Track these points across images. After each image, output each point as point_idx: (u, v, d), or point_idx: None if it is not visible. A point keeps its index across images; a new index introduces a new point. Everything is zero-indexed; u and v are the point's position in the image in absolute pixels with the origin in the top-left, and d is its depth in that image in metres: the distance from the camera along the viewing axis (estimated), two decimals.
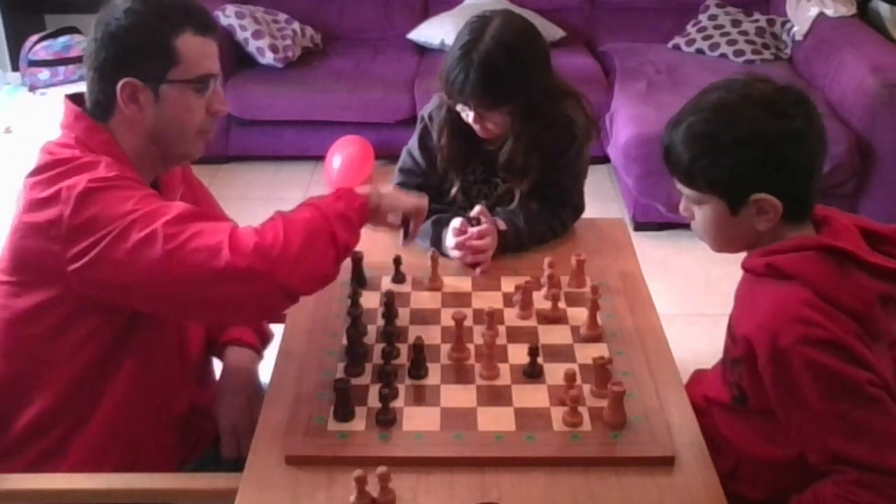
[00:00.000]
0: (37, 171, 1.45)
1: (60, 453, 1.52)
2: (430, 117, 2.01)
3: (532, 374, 1.52)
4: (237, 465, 1.40)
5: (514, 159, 1.92)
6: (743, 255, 1.47)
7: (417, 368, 1.52)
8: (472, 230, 1.84)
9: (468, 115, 1.87)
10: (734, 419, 1.48)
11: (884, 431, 1.28)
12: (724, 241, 1.45)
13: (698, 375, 1.70)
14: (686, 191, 1.41)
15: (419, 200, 1.70)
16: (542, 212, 1.97)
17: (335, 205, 1.48)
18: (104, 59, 1.46)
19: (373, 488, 1.27)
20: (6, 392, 1.52)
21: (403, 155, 2.07)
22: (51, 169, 1.43)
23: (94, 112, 1.50)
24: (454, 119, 1.93)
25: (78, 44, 4.13)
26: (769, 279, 1.36)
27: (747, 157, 1.32)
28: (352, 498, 1.26)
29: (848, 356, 1.28)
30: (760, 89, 1.36)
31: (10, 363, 1.51)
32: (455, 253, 1.85)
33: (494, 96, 1.82)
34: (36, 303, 1.46)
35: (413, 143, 2.05)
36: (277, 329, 1.73)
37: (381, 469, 1.26)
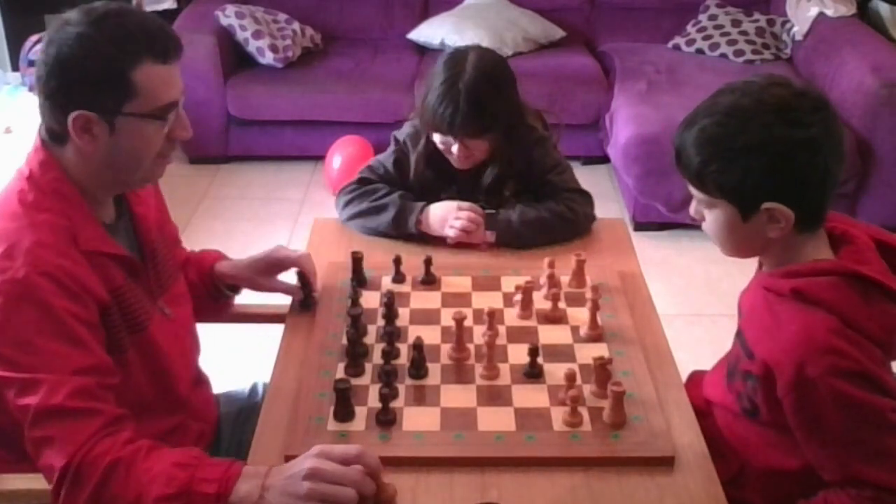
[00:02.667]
0: None
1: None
2: (406, 143, 2.07)
3: (532, 374, 1.52)
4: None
5: (499, 180, 2.00)
6: (740, 257, 1.47)
7: (417, 368, 1.52)
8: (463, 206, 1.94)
9: (451, 146, 1.94)
10: (740, 426, 1.47)
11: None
12: (734, 247, 1.42)
13: (696, 377, 1.70)
14: (697, 194, 1.39)
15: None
16: (534, 203, 2.00)
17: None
18: (55, 87, 1.35)
19: None
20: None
21: (374, 162, 2.11)
22: None
23: (49, 138, 1.42)
24: (432, 150, 2.00)
25: None
26: (792, 301, 1.33)
27: (759, 164, 1.29)
28: None
29: (873, 386, 1.28)
30: (777, 94, 1.32)
31: None
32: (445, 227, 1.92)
33: (483, 123, 1.90)
34: None
35: (387, 158, 2.08)
36: (278, 329, 1.73)
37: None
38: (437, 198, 2.00)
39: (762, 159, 1.29)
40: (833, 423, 1.28)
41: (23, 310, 1.32)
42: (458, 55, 1.94)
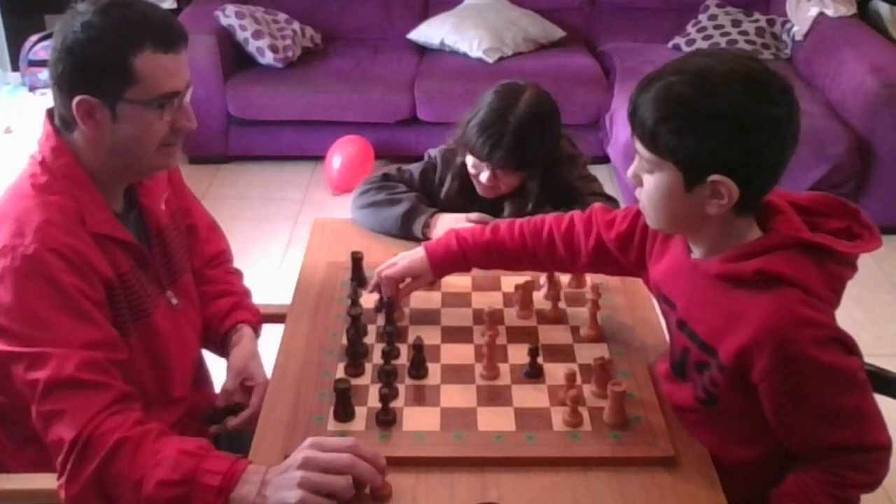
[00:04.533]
0: (7, 191, 1.44)
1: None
2: (437, 159, 2.10)
3: (532, 374, 1.52)
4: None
5: (518, 213, 1.96)
6: (668, 231, 1.42)
7: (417, 368, 1.52)
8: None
9: (481, 172, 1.95)
10: (698, 424, 1.43)
11: (870, 412, 1.31)
12: (666, 217, 1.35)
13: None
14: (644, 153, 1.31)
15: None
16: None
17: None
18: (61, 72, 1.39)
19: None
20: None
21: (402, 166, 2.12)
22: (4, 207, 1.43)
23: (60, 125, 1.46)
24: (465, 172, 2.02)
25: None
26: (753, 283, 1.29)
27: (718, 132, 1.22)
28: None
29: (844, 347, 1.29)
30: (750, 67, 1.27)
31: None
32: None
33: (520, 160, 1.92)
34: None
35: (416, 168, 2.12)
36: (278, 329, 1.73)
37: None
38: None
39: (722, 128, 1.23)
40: (814, 396, 1.28)
41: (31, 285, 1.36)
42: (515, 88, 1.96)
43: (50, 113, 1.49)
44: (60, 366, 1.33)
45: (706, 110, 1.23)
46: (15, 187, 1.46)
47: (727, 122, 1.23)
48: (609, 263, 1.61)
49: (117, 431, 1.31)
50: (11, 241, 1.37)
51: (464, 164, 2.02)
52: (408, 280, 1.67)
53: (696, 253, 1.39)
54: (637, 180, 1.35)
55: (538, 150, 1.93)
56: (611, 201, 1.98)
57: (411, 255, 1.68)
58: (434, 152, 2.12)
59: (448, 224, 1.91)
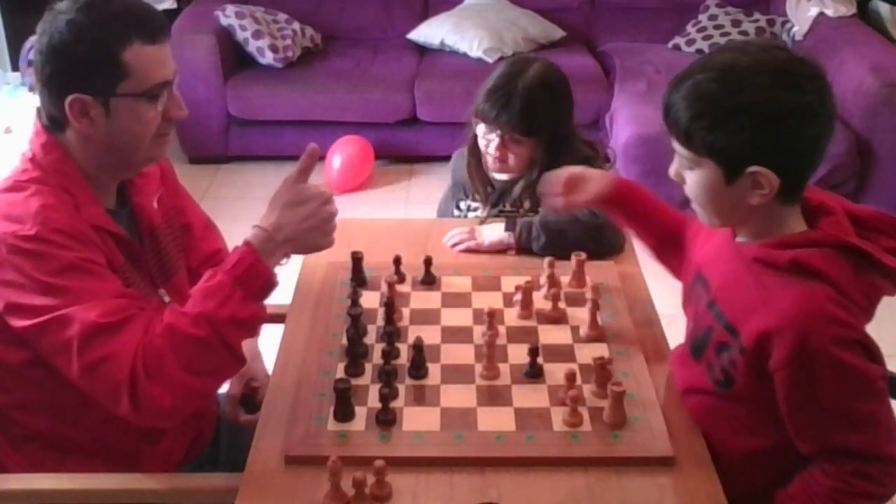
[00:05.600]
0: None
1: (58, 455, 1.52)
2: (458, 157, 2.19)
3: (532, 374, 1.52)
4: (237, 465, 1.39)
5: (528, 192, 2.00)
6: (720, 226, 1.43)
7: (417, 368, 1.52)
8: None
9: (491, 143, 1.98)
10: (708, 404, 1.44)
11: (885, 422, 1.30)
12: (714, 212, 1.37)
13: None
14: (682, 151, 1.34)
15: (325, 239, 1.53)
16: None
17: (221, 311, 1.35)
18: (50, 74, 1.40)
19: (370, 482, 1.28)
20: None
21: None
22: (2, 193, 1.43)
23: (50, 125, 1.46)
24: (475, 148, 2.07)
25: None
26: (788, 272, 1.30)
27: (750, 125, 1.25)
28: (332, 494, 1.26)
29: (868, 353, 1.28)
30: (776, 57, 1.29)
31: None
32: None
33: (529, 125, 1.95)
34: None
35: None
36: (278, 329, 1.73)
37: (379, 463, 1.27)
38: (470, 196, 2.10)
39: (754, 120, 1.25)
40: (828, 394, 1.28)
41: (39, 260, 1.36)
42: (526, 58, 2.04)
43: (39, 111, 1.49)
44: (86, 319, 1.34)
45: (736, 104, 1.26)
46: (6, 184, 1.46)
47: (757, 113, 1.25)
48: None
49: (165, 338, 1.34)
50: (9, 227, 1.38)
51: (475, 143, 2.05)
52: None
53: (741, 238, 1.41)
54: (679, 178, 1.38)
55: (546, 116, 1.94)
56: None
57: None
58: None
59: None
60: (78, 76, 1.39)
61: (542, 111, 1.94)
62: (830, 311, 1.26)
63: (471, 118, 2.06)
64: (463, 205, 2.18)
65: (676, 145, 1.35)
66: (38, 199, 1.40)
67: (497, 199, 2.11)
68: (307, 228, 1.46)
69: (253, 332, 1.44)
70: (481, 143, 2.03)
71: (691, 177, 1.35)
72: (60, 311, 1.34)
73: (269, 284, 1.41)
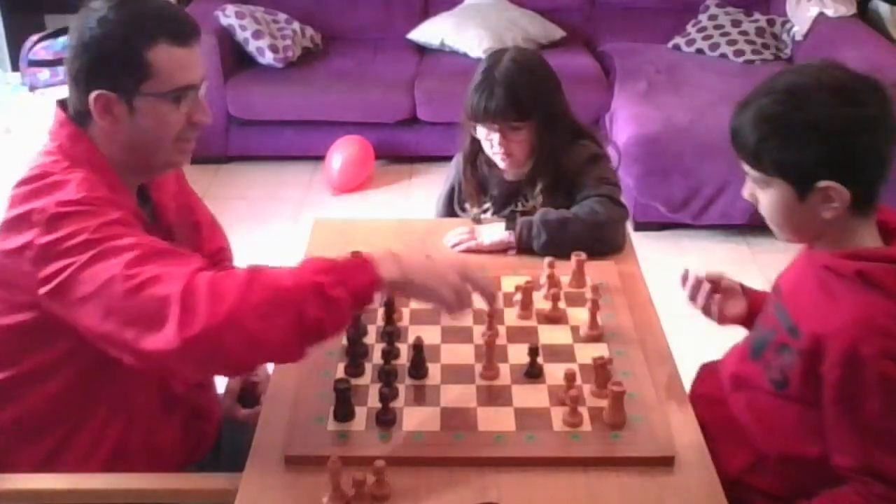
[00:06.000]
0: (18, 184, 1.43)
1: (59, 456, 1.51)
2: (456, 161, 2.20)
3: (532, 374, 1.52)
4: (237, 465, 1.39)
5: (536, 176, 2.03)
6: (796, 241, 1.46)
7: (417, 368, 1.52)
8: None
9: (493, 140, 2.00)
10: (763, 403, 1.46)
11: None
12: (791, 228, 1.41)
13: (709, 367, 1.69)
14: (753, 173, 1.38)
15: (458, 291, 1.42)
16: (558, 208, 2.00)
17: (320, 276, 1.30)
18: (78, 68, 1.42)
19: (370, 482, 1.28)
20: None
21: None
22: (28, 184, 1.41)
23: (75, 119, 1.47)
24: (476, 152, 2.09)
25: None
26: (853, 282, 1.33)
27: (816, 142, 1.30)
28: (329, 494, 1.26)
29: None
30: (834, 75, 1.33)
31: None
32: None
33: (517, 109, 1.96)
34: (15, 323, 1.44)
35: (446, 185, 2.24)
36: None
37: (379, 463, 1.27)
38: (479, 202, 2.12)
39: (819, 136, 1.29)
40: (871, 406, 1.29)
41: (85, 218, 1.34)
42: (497, 52, 2.05)
43: (62, 104, 1.50)
44: (134, 246, 1.32)
45: (801, 122, 1.30)
46: (32, 174, 1.43)
47: (823, 129, 1.29)
48: None
49: (234, 273, 1.30)
50: (51, 198, 1.36)
51: (472, 149, 2.08)
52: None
53: (817, 248, 1.43)
54: (753, 199, 1.42)
55: (531, 95, 1.96)
56: (615, 203, 1.96)
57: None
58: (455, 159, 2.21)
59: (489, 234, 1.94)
60: (104, 72, 1.41)
61: (526, 91, 1.96)
62: (887, 324, 1.28)
63: (464, 124, 2.06)
64: (468, 205, 2.18)
65: (746, 167, 1.39)
66: (78, 174, 1.41)
67: (507, 200, 2.11)
68: (432, 272, 1.39)
69: (332, 320, 1.31)
70: (485, 146, 2.04)
71: (764, 197, 1.39)
72: (103, 245, 1.32)
73: (370, 285, 1.34)
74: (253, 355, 1.31)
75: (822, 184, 1.31)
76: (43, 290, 1.35)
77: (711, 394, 1.55)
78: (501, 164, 2.05)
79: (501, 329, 1.63)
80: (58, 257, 1.33)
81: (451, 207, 2.21)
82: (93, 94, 1.41)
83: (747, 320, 1.63)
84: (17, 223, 1.38)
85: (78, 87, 1.44)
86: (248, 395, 1.77)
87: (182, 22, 1.46)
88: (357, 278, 1.32)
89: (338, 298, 1.29)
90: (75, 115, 1.47)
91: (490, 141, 2.02)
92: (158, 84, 1.42)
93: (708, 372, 1.67)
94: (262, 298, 1.26)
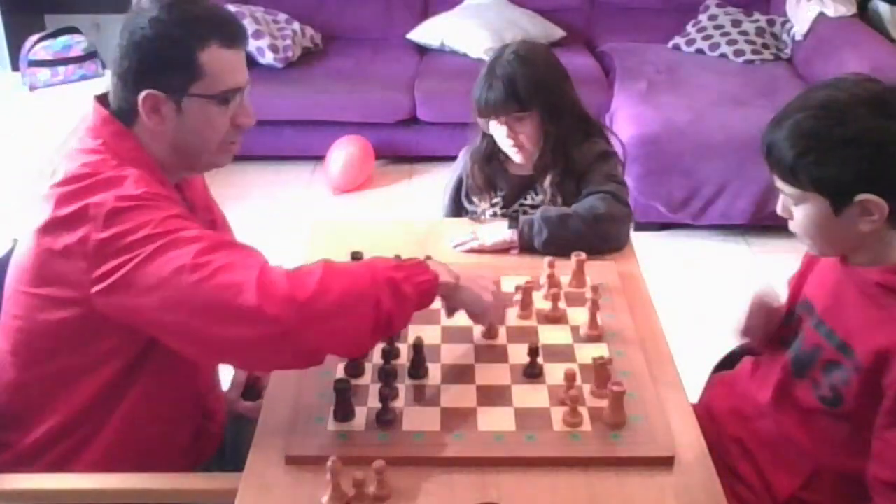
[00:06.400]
0: (64, 182, 1.41)
1: (71, 462, 1.51)
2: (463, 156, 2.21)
3: (532, 374, 1.52)
4: (240, 465, 1.39)
5: (545, 167, 2.04)
6: (832, 255, 1.46)
7: (417, 368, 1.52)
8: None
9: (502, 132, 2.02)
10: (814, 421, 1.45)
11: None
12: (825, 243, 1.41)
13: (724, 380, 1.68)
14: (787, 189, 1.37)
15: (499, 302, 1.57)
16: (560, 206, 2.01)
17: (392, 272, 1.37)
18: (127, 68, 1.43)
19: (370, 482, 1.28)
20: (22, 400, 1.51)
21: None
22: (78, 181, 1.39)
23: (119, 116, 1.47)
24: (490, 150, 2.11)
25: (78, 44, 4.13)
26: None
27: (854, 155, 1.29)
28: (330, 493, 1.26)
29: None
30: (870, 88, 1.33)
31: (28, 372, 1.49)
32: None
33: (517, 97, 1.97)
34: (59, 319, 1.43)
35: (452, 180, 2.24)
36: None
37: (379, 463, 1.27)
38: (489, 197, 2.13)
39: (858, 151, 1.29)
40: None
41: (144, 212, 1.35)
42: (502, 47, 2.08)
43: (100, 99, 1.50)
44: (200, 238, 1.33)
45: (839, 137, 1.30)
46: (77, 172, 1.42)
47: (861, 143, 1.29)
48: None
49: (308, 269, 1.33)
50: (107, 194, 1.36)
51: (486, 147, 2.10)
52: None
53: (854, 263, 1.42)
54: (787, 213, 1.41)
55: (530, 84, 1.97)
56: (618, 201, 1.96)
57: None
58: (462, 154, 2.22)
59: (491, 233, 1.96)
60: (154, 72, 1.42)
61: (525, 81, 1.97)
62: None
63: (476, 121, 2.08)
64: (476, 199, 2.18)
65: (780, 184, 1.38)
66: (131, 171, 1.41)
67: (517, 195, 2.12)
68: (476, 279, 1.53)
69: (401, 315, 1.38)
70: (498, 140, 2.06)
71: (798, 212, 1.38)
72: (168, 237, 1.33)
73: (432, 284, 1.42)
74: (328, 345, 1.34)
75: (861, 197, 1.30)
76: (98, 287, 1.35)
77: (741, 409, 1.54)
78: (516, 157, 2.07)
79: (501, 329, 1.64)
80: (119, 252, 1.33)
81: (458, 199, 2.21)
82: (142, 94, 1.42)
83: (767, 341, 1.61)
84: (68, 221, 1.37)
85: (126, 85, 1.44)
86: (252, 389, 1.77)
87: (233, 24, 1.48)
88: (422, 277, 1.40)
89: (407, 295, 1.37)
90: (119, 113, 1.47)
91: (499, 135, 2.04)
92: (207, 85, 1.44)
93: (723, 385, 1.66)
94: (341, 289, 1.30)
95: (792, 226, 1.42)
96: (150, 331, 1.38)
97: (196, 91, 1.44)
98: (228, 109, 1.47)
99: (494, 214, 2.13)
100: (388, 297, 1.33)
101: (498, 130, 2.03)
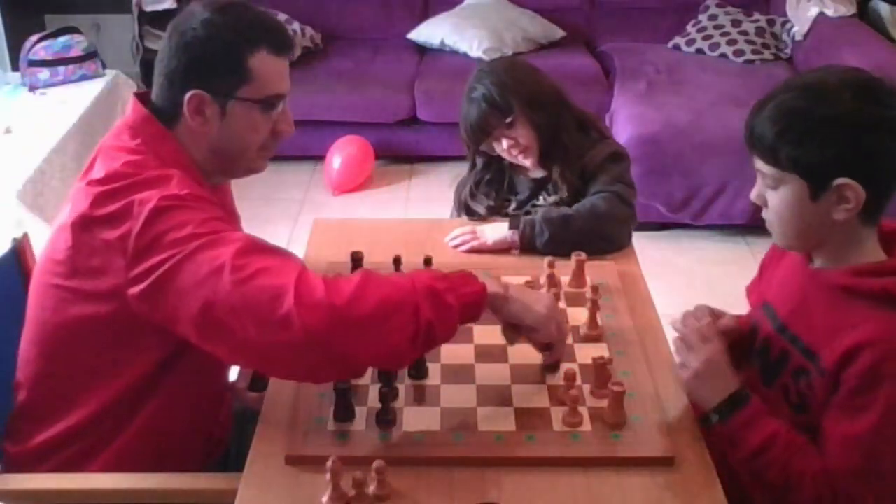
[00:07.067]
0: (105, 179, 1.40)
1: (85, 463, 1.51)
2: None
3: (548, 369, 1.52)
4: (239, 465, 1.39)
5: (549, 163, 2.06)
6: (798, 248, 1.45)
7: (417, 368, 1.52)
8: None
9: (503, 147, 2.05)
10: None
11: (886, 477, 1.30)
12: (795, 231, 1.38)
13: None
14: (766, 169, 1.35)
15: (553, 313, 1.48)
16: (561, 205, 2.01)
17: (433, 281, 1.32)
18: (175, 67, 1.44)
19: (370, 482, 1.28)
20: (45, 394, 1.51)
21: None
22: (119, 179, 1.39)
23: (160, 116, 1.47)
24: (481, 174, 2.15)
25: (78, 44, 4.12)
26: (875, 301, 1.31)
27: (836, 137, 1.27)
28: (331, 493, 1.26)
29: None
30: (857, 75, 1.33)
31: (53, 366, 1.49)
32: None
33: (497, 107, 2.00)
34: (90, 314, 1.42)
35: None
36: None
37: (378, 463, 1.27)
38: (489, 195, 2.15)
39: (839, 132, 1.27)
40: (872, 422, 1.28)
41: (187, 212, 1.35)
42: (473, 77, 2.08)
43: (140, 97, 1.50)
44: (241, 239, 1.33)
45: (821, 117, 1.29)
46: (113, 169, 1.41)
47: (844, 125, 1.28)
48: None
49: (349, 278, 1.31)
50: (152, 192, 1.36)
51: (471, 177, 2.14)
52: None
53: (818, 263, 1.41)
54: (762, 200, 1.39)
55: (502, 87, 2.00)
56: (621, 200, 1.96)
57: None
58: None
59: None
60: (203, 73, 1.43)
61: (495, 88, 2.00)
62: None
63: (470, 149, 2.12)
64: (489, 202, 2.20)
65: (760, 164, 1.36)
66: (174, 171, 1.41)
67: (532, 197, 2.13)
68: (528, 291, 1.50)
69: (443, 325, 1.31)
70: (505, 156, 2.08)
71: (774, 196, 1.36)
72: (211, 235, 1.32)
73: (479, 296, 1.37)
74: (365, 354, 1.29)
75: (839, 181, 1.28)
76: (137, 286, 1.34)
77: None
78: (526, 163, 2.08)
79: (501, 329, 1.63)
80: (159, 250, 1.32)
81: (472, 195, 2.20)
82: (188, 94, 1.43)
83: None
84: (110, 217, 1.36)
85: (173, 85, 1.45)
86: (260, 380, 1.76)
87: (283, 33, 1.51)
88: (467, 288, 1.36)
89: (450, 305, 1.31)
90: (162, 113, 1.47)
91: (498, 146, 2.05)
92: (254, 90, 1.45)
93: None
94: (379, 297, 1.27)
95: (765, 213, 1.40)
96: (184, 330, 1.34)
97: (243, 95, 1.45)
98: (271, 116, 1.49)
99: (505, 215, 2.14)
100: (428, 307, 1.28)
101: (499, 147, 2.06)
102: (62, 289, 1.44)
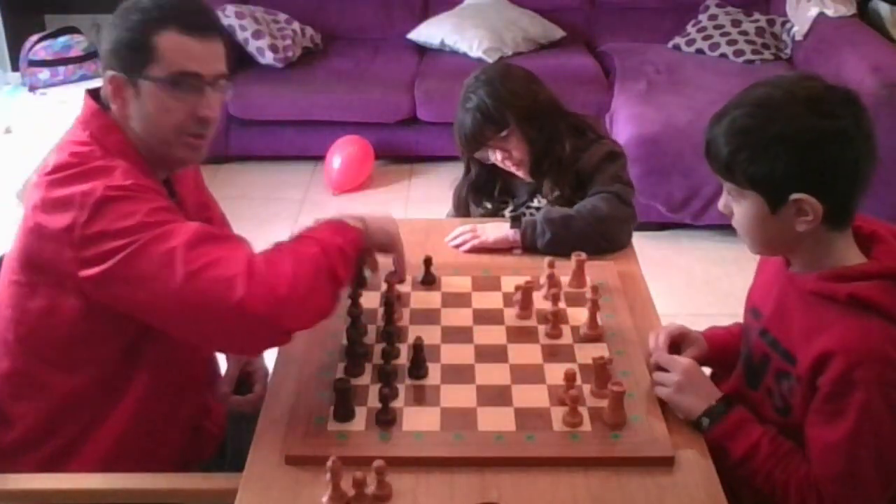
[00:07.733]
0: (53, 170, 1.44)
1: (71, 455, 1.52)
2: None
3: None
4: (238, 465, 1.39)
5: (540, 172, 2.08)
6: (769, 255, 1.46)
7: (417, 368, 1.52)
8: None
9: (497, 157, 2.07)
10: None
11: (870, 482, 1.31)
12: (763, 242, 1.40)
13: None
14: (726, 184, 1.37)
15: (396, 230, 1.67)
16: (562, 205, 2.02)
17: (334, 239, 1.47)
18: (102, 51, 1.50)
19: (370, 482, 1.28)
20: (16, 390, 1.52)
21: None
22: (66, 169, 1.42)
23: (102, 104, 1.51)
24: (479, 177, 2.18)
25: (78, 44, 4.13)
26: (845, 307, 1.31)
27: (787, 154, 1.28)
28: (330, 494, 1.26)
29: None
30: (807, 87, 1.32)
31: (20, 362, 1.51)
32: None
33: (493, 120, 2.02)
34: (48, 304, 1.45)
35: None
36: None
37: (378, 463, 1.27)
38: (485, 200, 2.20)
39: (791, 149, 1.28)
40: (847, 427, 1.29)
41: (132, 202, 1.38)
42: (468, 83, 2.10)
43: (91, 93, 1.54)
44: (189, 229, 1.37)
45: (772, 135, 1.29)
46: (68, 161, 1.45)
47: (793, 142, 1.28)
48: None
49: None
50: (97, 182, 1.39)
51: (466, 181, 2.17)
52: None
53: (795, 267, 1.42)
54: (728, 210, 1.41)
55: (497, 101, 2.01)
56: (621, 201, 1.97)
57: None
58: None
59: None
60: (117, 54, 1.47)
61: (491, 100, 2.01)
62: (883, 349, 1.28)
63: (464, 155, 2.15)
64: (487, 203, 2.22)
65: (721, 180, 1.38)
66: (120, 162, 1.44)
67: (526, 200, 2.14)
68: (381, 220, 1.64)
69: (350, 275, 1.51)
70: (499, 164, 2.09)
71: (738, 210, 1.38)
72: (159, 228, 1.36)
73: (360, 237, 1.54)
74: (302, 323, 1.42)
75: (795, 196, 1.30)
76: (87, 274, 1.37)
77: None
78: (519, 173, 2.10)
79: (501, 329, 1.64)
80: (106, 241, 1.35)
81: (471, 198, 2.23)
82: (108, 75, 1.47)
83: (707, 362, 1.61)
84: (55, 207, 1.39)
85: (102, 70, 1.50)
86: (245, 383, 1.77)
87: (196, 13, 1.50)
88: (352, 233, 1.52)
89: (350, 256, 1.49)
90: (103, 101, 1.51)
91: (495, 159, 2.07)
92: (161, 69, 1.46)
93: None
94: (306, 273, 1.39)
95: (733, 222, 1.41)
96: (139, 317, 1.41)
97: (150, 74, 1.46)
98: (184, 96, 1.47)
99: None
100: (339, 265, 1.44)
101: (493, 156, 2.08)
102: (18, 284, 1.48)
